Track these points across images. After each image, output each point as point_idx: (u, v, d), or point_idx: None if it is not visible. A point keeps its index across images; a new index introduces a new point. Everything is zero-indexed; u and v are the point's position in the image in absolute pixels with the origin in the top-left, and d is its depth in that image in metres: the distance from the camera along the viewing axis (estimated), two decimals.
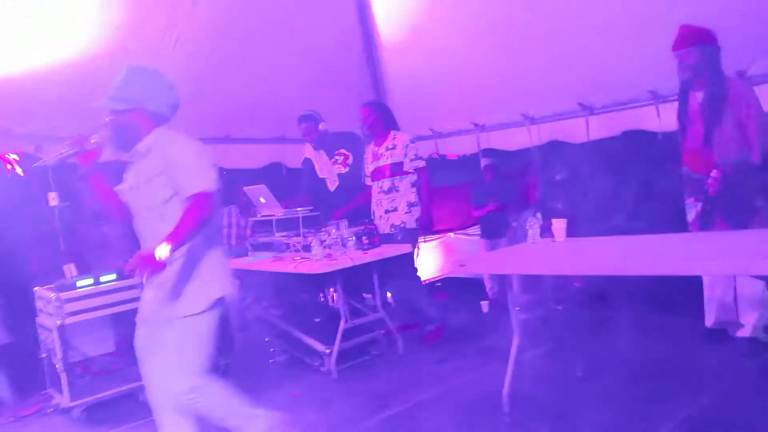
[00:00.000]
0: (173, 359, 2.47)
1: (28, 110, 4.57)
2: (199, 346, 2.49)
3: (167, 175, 2.44)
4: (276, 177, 6.16)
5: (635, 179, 5.65)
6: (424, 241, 6.78)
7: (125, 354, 4.38)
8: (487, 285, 5.90)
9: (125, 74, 2.55)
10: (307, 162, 5.20)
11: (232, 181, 6.00)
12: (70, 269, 4.86)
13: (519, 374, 3.25)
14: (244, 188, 4.81)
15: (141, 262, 2.17)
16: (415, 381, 3.96)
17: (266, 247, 4.71)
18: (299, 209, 4.62)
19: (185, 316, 2.45)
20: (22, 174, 5.25)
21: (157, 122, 2.56)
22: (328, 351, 4.18)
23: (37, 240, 5.73)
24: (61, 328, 3.78)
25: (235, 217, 5.96)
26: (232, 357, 4.49)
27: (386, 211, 4.76)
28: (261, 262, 4.52)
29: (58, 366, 3.80)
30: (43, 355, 4.08)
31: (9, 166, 5.30)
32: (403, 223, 4.69)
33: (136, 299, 4.03)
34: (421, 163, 4.74)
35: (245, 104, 5.47)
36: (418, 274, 4.97)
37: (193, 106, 5.13)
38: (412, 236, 4.72)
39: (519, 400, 3.22)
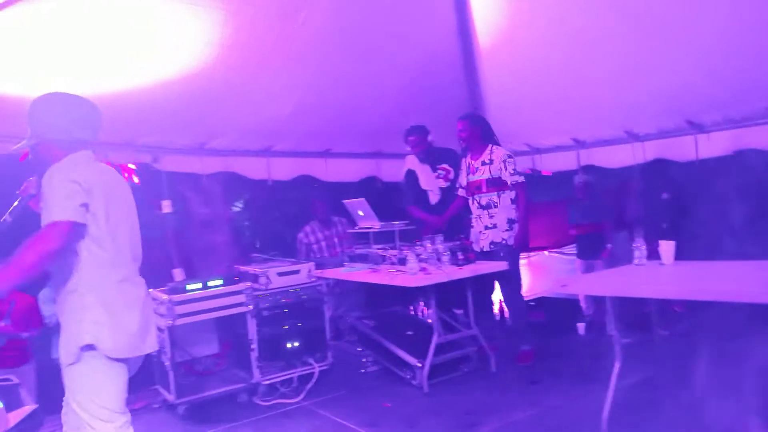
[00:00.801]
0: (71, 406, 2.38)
1: (148, 123, 4.91)
2: (90, 394, 2.34)
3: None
4: (371, 190, 6.28)
5: (748, 201, 5.32)
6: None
7: (227, 356, 4.60)
8: (584, 306, 5.72)
9: (30, 107, 2.42)
10: (411, 174, 5.25)
11: (331, 194, 6.19)
12: (178, 273, 5.17)
13: (619, 400, 3.13)
14: (344, 201, 4.94)
15: None
16: (509, 400, 3.89)
17: (363, 258, 4.81)
18: (396, 222, 4.69)
19: (67, 365, 2.36)
20: (138, 182, 5.61)
21: (70, 149, 2.39)
22: (419, 364, 4.19)
23: (149, 244, 6.16)
24: (172, 329, 4.02)
25: (320, 232, 6.14)
26: (327, 365, 4.61)
27: (486, 228, 4.72)
28: (357, 273, 4.62)
29: (167, 364, 4.03)
30: (154, 354, 4.34)
31: (127, 175, 5.69)
32: (503, 240, 4.64)
33: (241, 304, 4.26)
34: (520, 179, 4.67)
35: (344, 120, 5.62)
36: (522, 292, 4.89)
37: (297, 123, 5.43)
38: (514, 253, 4.66)
39: (619, 427, 3.10)
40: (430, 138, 5.12)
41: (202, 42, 4.26)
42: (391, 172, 6.50)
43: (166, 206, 5.28)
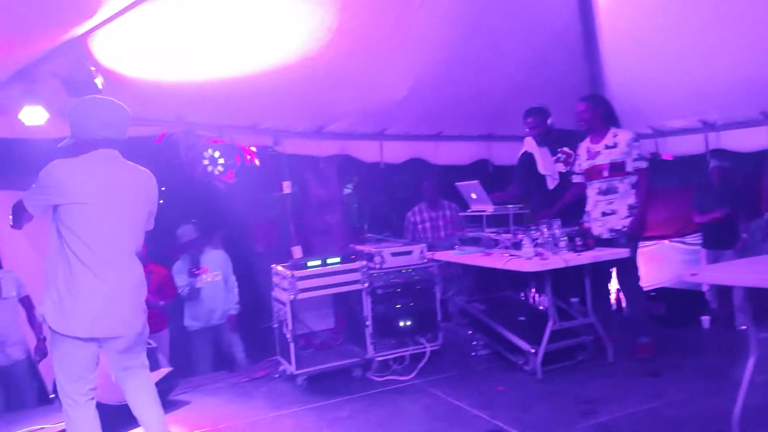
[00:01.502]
0: None
1: (270, 107, 5.16)
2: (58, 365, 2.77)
3: None
4: (482, 174, 6.24)
5: None
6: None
7: (342, 331, 4.78)
8: (710, 299, 5.41)
9: (69, 111, 2.86)
10: (527, 156, 5.03)
11: (441, 178, 6.22)
12: (297, 251, 5.42)
13: (753, 399, 2.95)
14: (457, 184, 4.93)
15: None
16: (627, 391, 3.76)
17: (475, 242, 4.80)
18: (510, 206, 4.63)
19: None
20: (259, 164, 5.91)
21: (92, 146, 2.79)
22: (533, 350, 4.14)
23: (270, 224, 6.51)
24: (293, 302, 4.23)
25: (427, 212, 6.17)
26: (438, 345, 4.68)
27: (603, 214, 4.52)
28: (469, 256, 4.62)
29: (288, 336, 4.25)
30: (275, 325, 4.59)
31: (249, 157, 6.00)
32: (624, 227, 4.44)
33: (357, 282, 4.40)
34: (644, 164, 4.44)
35: (458, 103, 5.61)
36: (640, 282, 4.68)
37: (411, 106, 5.49)
38: (633, 242, 4.46)
39: (753, 428, 2.92)
40: (550, 120, 4.94)
41: (321, 28, 4.39)
42: (503, 155, 6.43)
43: (287, 187, 5.54)
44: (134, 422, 3.77)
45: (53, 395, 4.17)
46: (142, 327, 2.95)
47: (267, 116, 5.30)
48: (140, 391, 3.02)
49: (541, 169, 4.95)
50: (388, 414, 3.76)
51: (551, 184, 4.97)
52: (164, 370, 4.38)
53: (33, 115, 4.29)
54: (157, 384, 4.16)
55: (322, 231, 6.07)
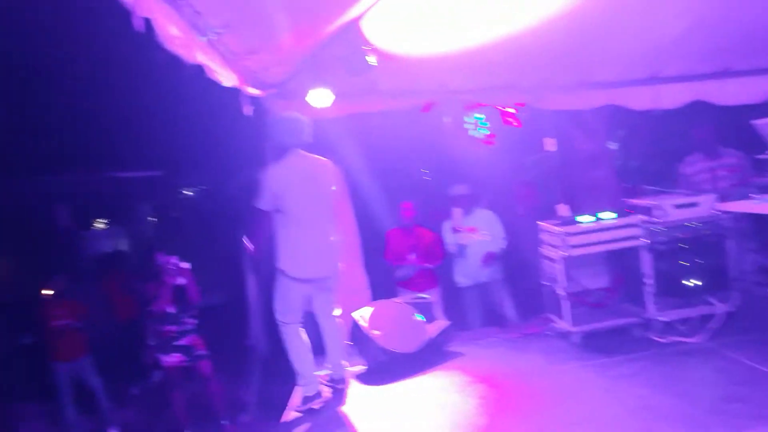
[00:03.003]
0: None
1: (530, 64, 5.06)
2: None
3: None
4: None
5: None
6: None
7: (618, 290, 4.56)
8: None
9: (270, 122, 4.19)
10: None
11: (727, 120, 5.49)
12: (563, 209, 5.27)
13: None
14: (753, 122, 4.30)
15: None
16: None
17: None
18: None
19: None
20: (518, 125, 5.85)
21: (288, 150, 3.94)
22: None
23: (531, 184, 6.43)
24: (565, 260, 4.15)
25: (702, 162, 5.44)
26: (729, 305, 4.19)
27: None
28: None
29: (562, 294, 4.19)
30: (546, 283, 4.57)
31: (508, 119, 5.97)
32: None
33: (634, 238, 4.15)
34: None
35: (749, 32, 4.84)
36: None
37: (689, 43, 4.90)
38: None
39: None
40: None
41: None
42: None
43: (550, 144, 5.40)
44: (413, 370, 4.14)
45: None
46: (333, 274, 3.96)
47: (528, 74, 5.19)
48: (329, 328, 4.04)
49: None
50: (676, 375, 3.54)
51: None
52: (441, 323, 4.66)
53: (320, 98, 4.84)
54: (438, 336, 4.50)
55: (589, 187, 5.78)
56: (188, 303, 5.43)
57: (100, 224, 13.46)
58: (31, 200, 11.63)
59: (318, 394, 3.86)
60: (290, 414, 3.80)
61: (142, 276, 6.36)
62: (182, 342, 5.40)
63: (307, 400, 3.83)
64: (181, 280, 5.38)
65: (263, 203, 3.81)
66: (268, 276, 4.48)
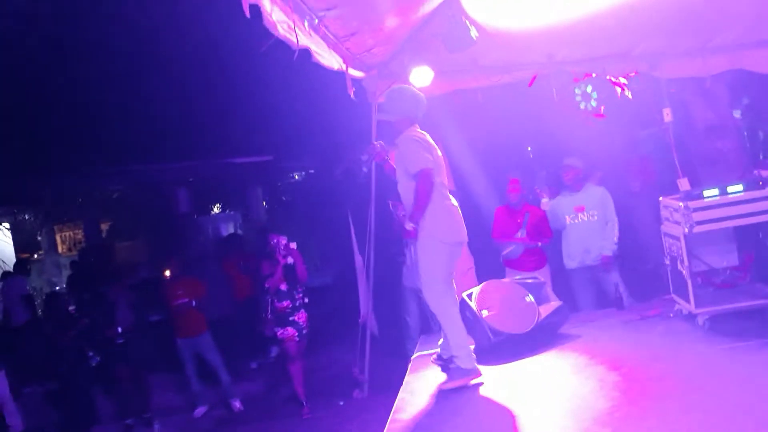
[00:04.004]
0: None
1: (645, 30, 4.75)
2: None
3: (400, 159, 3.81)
4: None
5: None
6: None
7: (750, 269, 4.21)
8: None
9: (391, 95, 3.89)
10: None
11: None
12: (683, 183, 4.93)
13: None
14: None
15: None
16: None
17: None
18: None
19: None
20: (631, 97, 5.51)
21: (411, 123, 3.82)
22: None
23: (646, 159, 6.06)
24: (688, 237, 3.88)
25: None
26: None
27: None
28: None
29: (685, 273, 3.93)
30: (667, 262, 4.29)
31: (620, 90, 5.64)
32: None
33: (765, 212, 3.80)
34: None
35: None
36: None
37: None
38: None
39: None
40: None
41: None
42: None
43: (667, 114, 5.06)
44: (525, 351, 4.03)
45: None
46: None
47: (641, 40, 4.89)
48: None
49: None
50: None
51: None
52: (555, 304, 4.51)
53: (421, 76, 4.81)
54: (548, 317, 4.37)
55: (712, 160, 5.38)
56: (297, 280, 5.70)
57: (217, 208, 14.26)
58: (154, 186, 12.51)
59: (475, 370, 3.65)
60: (442, 388, 3.68)
61: (257, 256, 6.69)
62: (295, 317, 5.67)
63: (462, 373, 3.63)
64: (290, 260, 5.65)
65: (429, 162, 3.65)
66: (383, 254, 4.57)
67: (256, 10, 2.51)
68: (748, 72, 5.18)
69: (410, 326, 6.00)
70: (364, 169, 4.45)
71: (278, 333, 5.67)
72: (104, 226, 14.97)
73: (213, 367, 6.37)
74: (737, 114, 7.25)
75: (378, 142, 4.11)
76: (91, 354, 6.29)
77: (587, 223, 5.36)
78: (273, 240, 5.67)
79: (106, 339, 6.12)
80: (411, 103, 3.84)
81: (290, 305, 5.65)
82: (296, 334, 5.66)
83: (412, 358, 4.53)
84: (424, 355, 4.44)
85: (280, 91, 7.77)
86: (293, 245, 5.72)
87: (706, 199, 3.85)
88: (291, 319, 5.65)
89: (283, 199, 14.08)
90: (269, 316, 5.70)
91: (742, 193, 3.83)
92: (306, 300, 5.81)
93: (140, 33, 6.44)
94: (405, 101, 3.84)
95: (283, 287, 5.63)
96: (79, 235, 15.45)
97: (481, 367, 3.72)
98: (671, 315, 4.36)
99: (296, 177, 14.24)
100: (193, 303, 6.33)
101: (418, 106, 3.85)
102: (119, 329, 6.10)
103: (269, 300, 5.67)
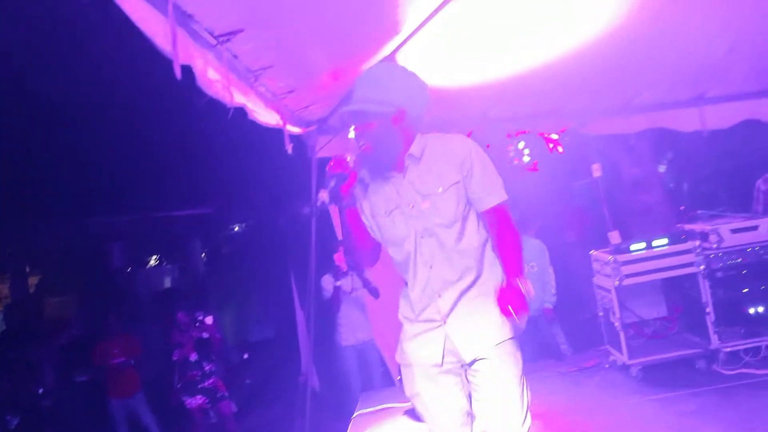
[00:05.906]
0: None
1: (572, 90, 4.97)
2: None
3: (464, 184, 2.26)
4: None
5: None
6: None
7: (678, 320, 4.36)
8: None
9: (385, 73, 2.38)
10: None
11: None
12: (614, 236, 5.11)
13: None
14: None
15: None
16: None
17: None
18: None
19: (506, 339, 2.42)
20: (562, 151, 5.76)
21: (417, 125, 2.33)
22: None
23: (580, 211, 6.30)
24: (618, 289, 4.00)
25: None
26: None
27: None
28: None
29: (617, 325, 4.03)
30: (600, 314, 4.40)
31: (551, 146, 5.88)
32: None
33: (690, 264, 3.97)
34: None
35: None
36: None
37: (736, 61, 4.71)
38: None
39: None
40: None
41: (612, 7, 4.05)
42: None
43: (596, 170, 5.27)
44: None
45: (399, 377, 4.66)
46: None
47: (569, 99, 5.12)
48: None
49: None
50: (746, 411, 3.31)
51: None
52: None
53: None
54: None
55: (640, 212, 5.62)
56: (212, 352, 5.74)
57: (153, 262, 13.85)
58: (86, 240, 12.04)
59: None
60: None
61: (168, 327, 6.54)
62: (206, 384, 5.67)
63: None
64: (204, 334, 5.70)
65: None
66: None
67: (188, 70, 2.49)
68: (671, 128, 5.49)
69: (351, 384, 5.88)
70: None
71: (186, 402, 5.60)
72: (33, 281, 14.27)
73: (147, 429, 6.08)
74: (662, 168, 7.65)
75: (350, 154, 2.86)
76: (8, 417, 5.91)
77: (527, 274, 5.43)
78: (182, 318, 5.69)
79: (29, 400, 5.80)
80: (425, 94, 2.39)
81: (199, 374, 5.63)
82: (207, 401, 5.65)
83: (352, 417, 4.43)
84: (365, 413, 4.35)
85: (220, 145, 7.73)
86: (209, 320, 5.77)
87: (633, 253, 4.00)
88: (200, 386, 5.62)
89: (223, 251, 13.82)
90: (177, 385, 5.62)
91: (666, 247, 4.00)
92: (217, 367, 5.78)
93: (74, 84, 6.32)
94: (421, 89, 2.37)
95: (193, 357, 5.63)
96: (5, 290, 14.66)
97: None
98: (606, 366, 4.44)
99: (236, 229, 14.05)
100: (132, 362, 6.10)
101: (424, 101, 2.39)
102: (40, 390, 5.81)
103: (176, 369, 5.62)
